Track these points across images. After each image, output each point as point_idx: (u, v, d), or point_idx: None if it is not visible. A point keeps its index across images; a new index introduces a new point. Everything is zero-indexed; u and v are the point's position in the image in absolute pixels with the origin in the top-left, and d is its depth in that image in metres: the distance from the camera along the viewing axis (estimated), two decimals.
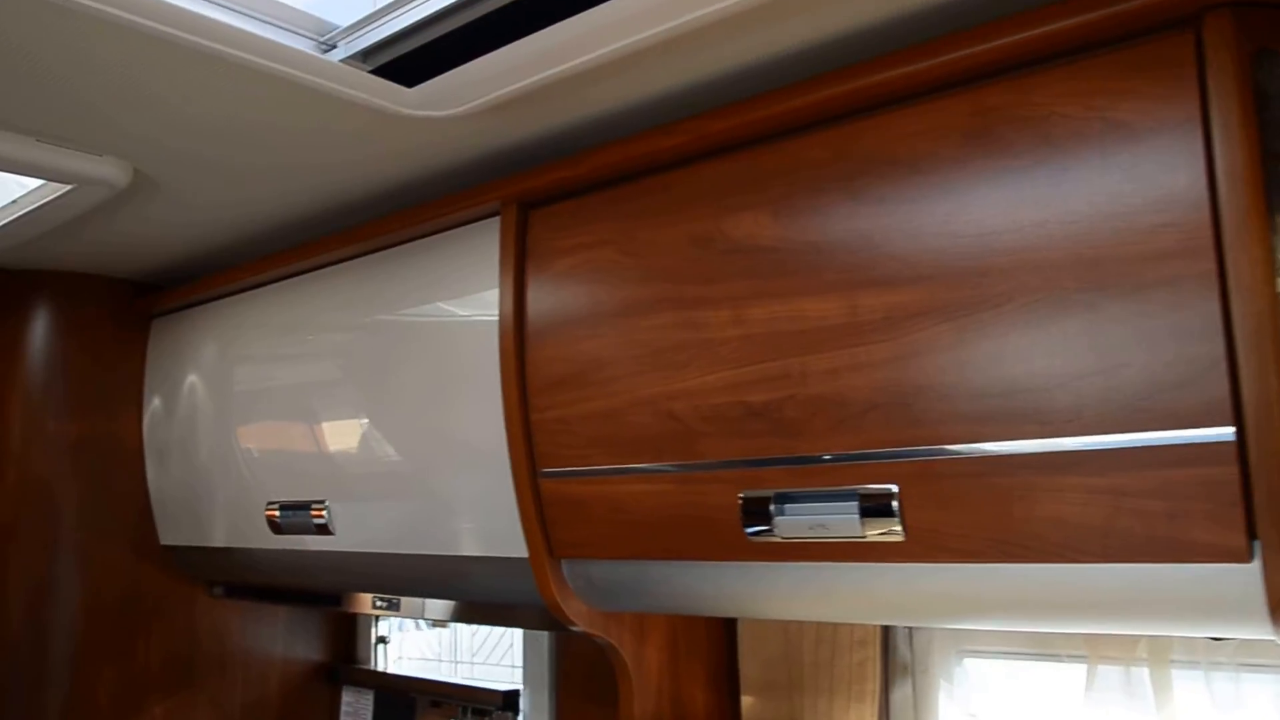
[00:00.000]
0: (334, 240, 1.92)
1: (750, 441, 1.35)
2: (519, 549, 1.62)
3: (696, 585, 1.47)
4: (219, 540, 2.25)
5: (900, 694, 1.86)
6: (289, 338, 2.06)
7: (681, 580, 1.48)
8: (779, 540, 1.34)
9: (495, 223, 1.67)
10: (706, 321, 1.39)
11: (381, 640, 2.73)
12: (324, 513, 1.93)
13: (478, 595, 1.82)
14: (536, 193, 1.61)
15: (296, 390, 2.03)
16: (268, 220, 2.00)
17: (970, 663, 1.81)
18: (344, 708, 2.68)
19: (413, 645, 2.92)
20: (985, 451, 1.17)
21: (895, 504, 1.23)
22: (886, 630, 1.85)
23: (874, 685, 1.82)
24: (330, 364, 1.96)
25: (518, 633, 2.96)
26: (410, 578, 1.88)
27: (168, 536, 2.38)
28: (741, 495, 1.36)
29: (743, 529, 1.36)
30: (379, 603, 2.02)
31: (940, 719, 1.82)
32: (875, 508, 1.25)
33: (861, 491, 1.26)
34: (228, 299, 2.25)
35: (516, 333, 1.58)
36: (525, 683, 2.33)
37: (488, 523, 1.68)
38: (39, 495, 2.27)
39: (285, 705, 2.62)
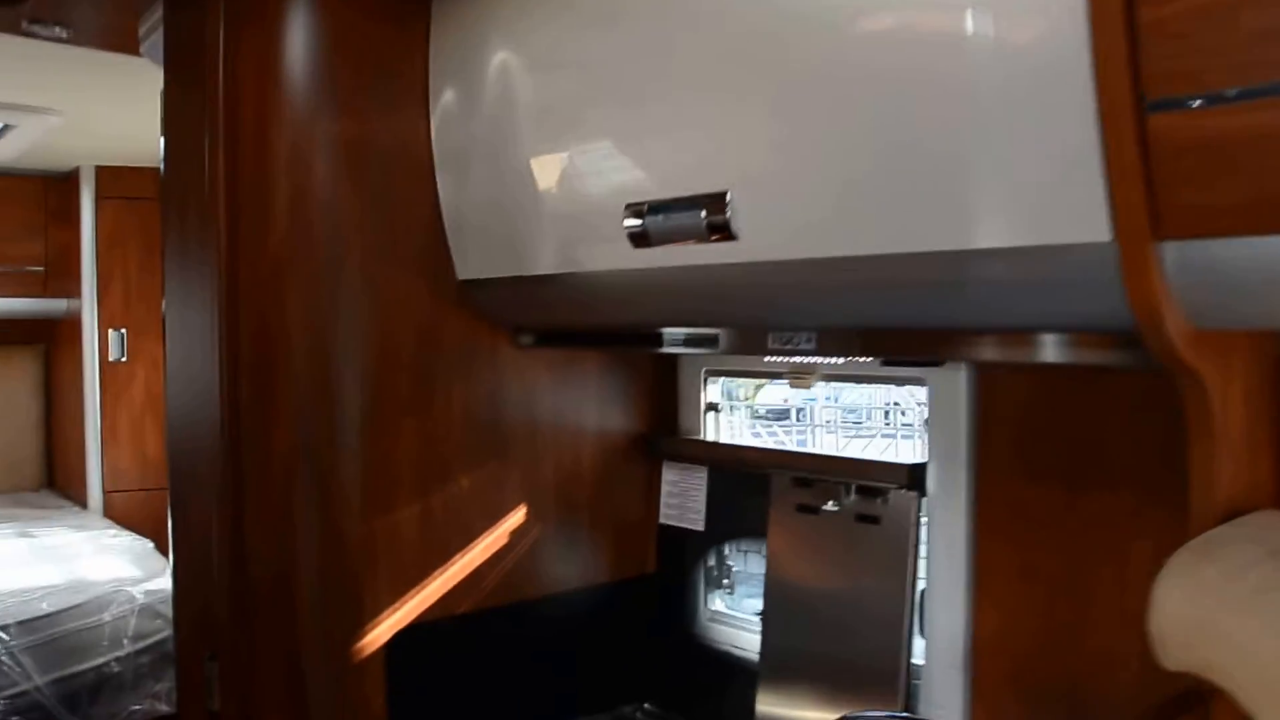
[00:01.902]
0: None
1: None
2: (1089, 230, 1.14)
3: None
4: (542, 266, 1.86)
5: None
6: None
7: None
8: None
9: None
10: None
11: (712, 408, 2.35)
12: (724, 209, 1.49)
13: (970, 317, 1.37)
14: None
15: (665, 59, 1.58)
16: None
17: None
18: (665, 487, 2.34)
19: None
20: None
21: None
22: None
23: None
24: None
25: None
26: (859, 296, 1.45)
27: (467, 268, 2.02)
28: None
29: None
30: (788, 340, 1.59)
31: None
32: None
33: None
34: None
35: None
36: (931, 455, 1.91)
37: (1030, 194, 1.20)
38: (315, 215, 1.92)
39: (599, 484, 2.30)
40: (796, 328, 1.62)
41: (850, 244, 1.38)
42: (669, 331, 1.87)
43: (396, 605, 1.99)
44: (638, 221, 1.61)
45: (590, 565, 2.30)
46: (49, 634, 3.49)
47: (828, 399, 2.73)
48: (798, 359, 1.70)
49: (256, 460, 1.92)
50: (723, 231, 1.50)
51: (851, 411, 2.75)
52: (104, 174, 5.01)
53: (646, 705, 2.37)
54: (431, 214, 2.01)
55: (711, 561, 2.35)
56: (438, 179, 2.00)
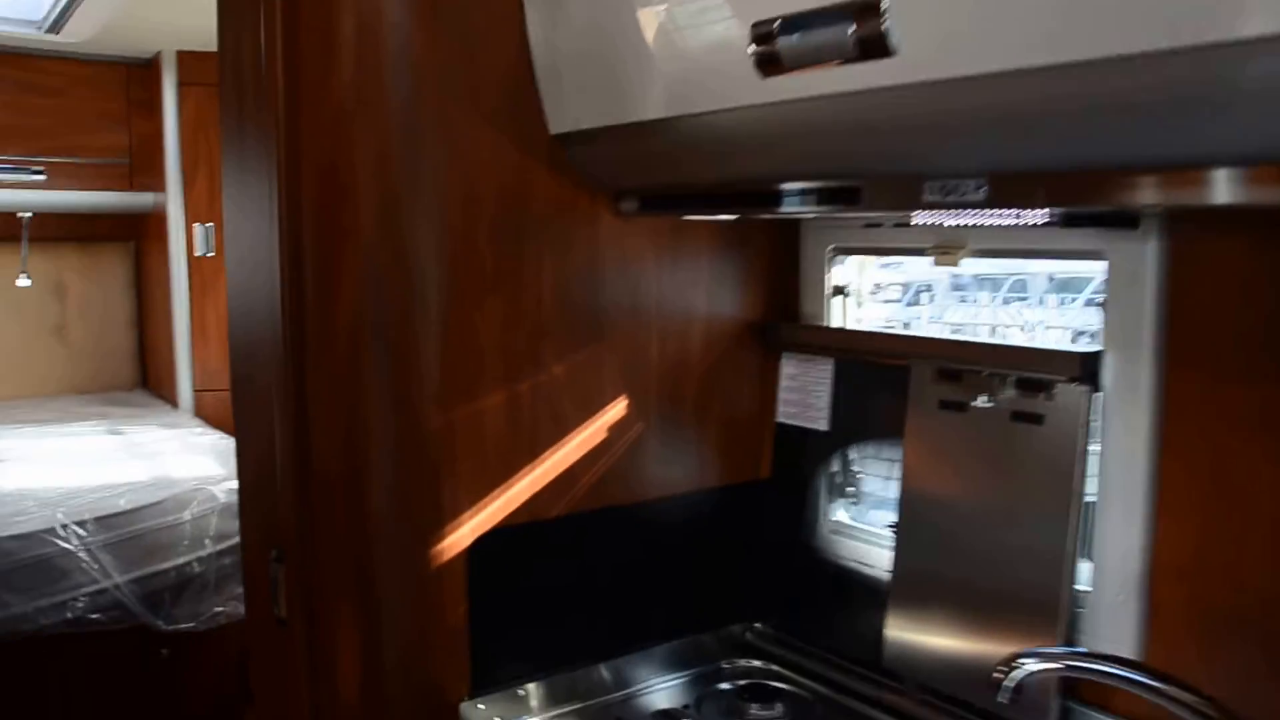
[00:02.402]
0: None
1: None
2: None
3: None
4: (651, 109, 1.59)
5: None
6: None
7: None
8: None
9: None
10: None
11: (839, 291, 2.08)
12: (879, 17, 1.19)
13: (1207, 143, 1.06)
14: None
15: None
16: None
17: None
18: (784, 381, 2.09)
19: None
20: None
21: None
22: None
23: None
24: None
25: None
26: (1057, 124, 1.15)
27: (561, 119, 1.76)
28: None
29: None
30: (950, 190, 1.29)
31: None
32: None
33: None
34: None
35: None
36: (1108, 343, 1.61)
37: None
38: (384, 57, 1.68)
39: (709, 375, 2.06)
40: (961, 174, 1.32)
41: (1059, 48, 1.07)
42: (798, 187, 1.59)
43: (480, 506, 1.81)
44: (768, 44, 1.32)
45: (697, 467, 2.08)
46: (127, 531, 3.42)
47: (933, 318, 2.50)
48: (953, 222, 1.41)
49: (321, 340, 1.72)
50: (876, 47, 1.21)
51: (957, 330, 2.51)
52: (186, 59, 4.82)
53: (757, 625, 2.17)
54: (519, 55, 1.76)
55: (835, 466, 2.10)
56: (526, 12, 1.74)
